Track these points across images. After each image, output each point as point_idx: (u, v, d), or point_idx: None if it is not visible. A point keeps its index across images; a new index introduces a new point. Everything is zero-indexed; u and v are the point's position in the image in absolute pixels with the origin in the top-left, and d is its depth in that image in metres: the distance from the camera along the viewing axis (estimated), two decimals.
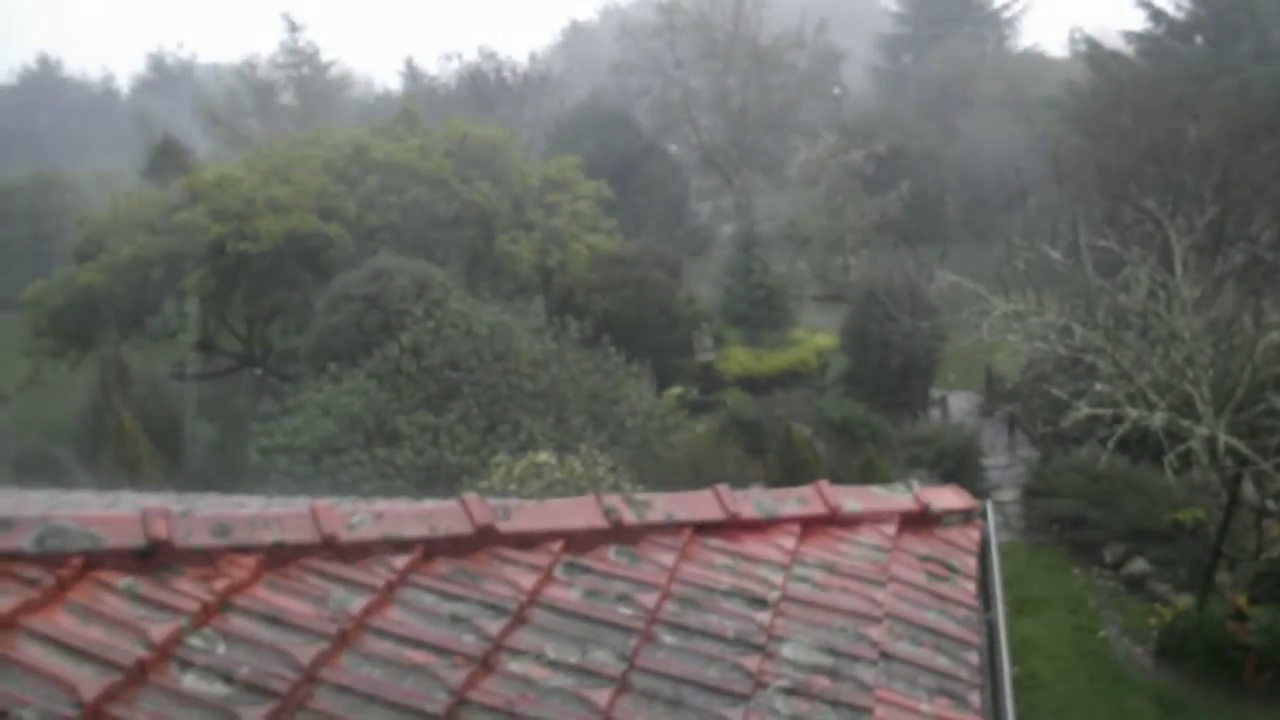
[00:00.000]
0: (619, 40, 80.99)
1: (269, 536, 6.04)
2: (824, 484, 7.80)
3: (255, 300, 42.15)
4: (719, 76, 73.01)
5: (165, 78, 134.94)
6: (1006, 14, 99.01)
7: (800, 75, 72.47)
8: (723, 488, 7.40)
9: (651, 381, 31.80)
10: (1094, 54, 62.98)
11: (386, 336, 29.98)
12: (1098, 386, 22.97)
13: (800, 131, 67.45)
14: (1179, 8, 67.55)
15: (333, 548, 6.10)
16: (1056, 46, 77.72)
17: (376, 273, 33.24)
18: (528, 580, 6.23)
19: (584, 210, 46.37)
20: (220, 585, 5.66)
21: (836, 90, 76.64)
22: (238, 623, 5.52)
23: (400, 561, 6.14)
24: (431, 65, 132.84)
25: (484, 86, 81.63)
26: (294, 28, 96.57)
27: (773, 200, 65.53)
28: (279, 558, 6.00)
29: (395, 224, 42.10)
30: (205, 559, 5.84)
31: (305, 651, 5.34)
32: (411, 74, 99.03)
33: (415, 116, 50.47)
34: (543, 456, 22.97)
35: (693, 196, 73.07)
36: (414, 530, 6.34)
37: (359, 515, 6.34)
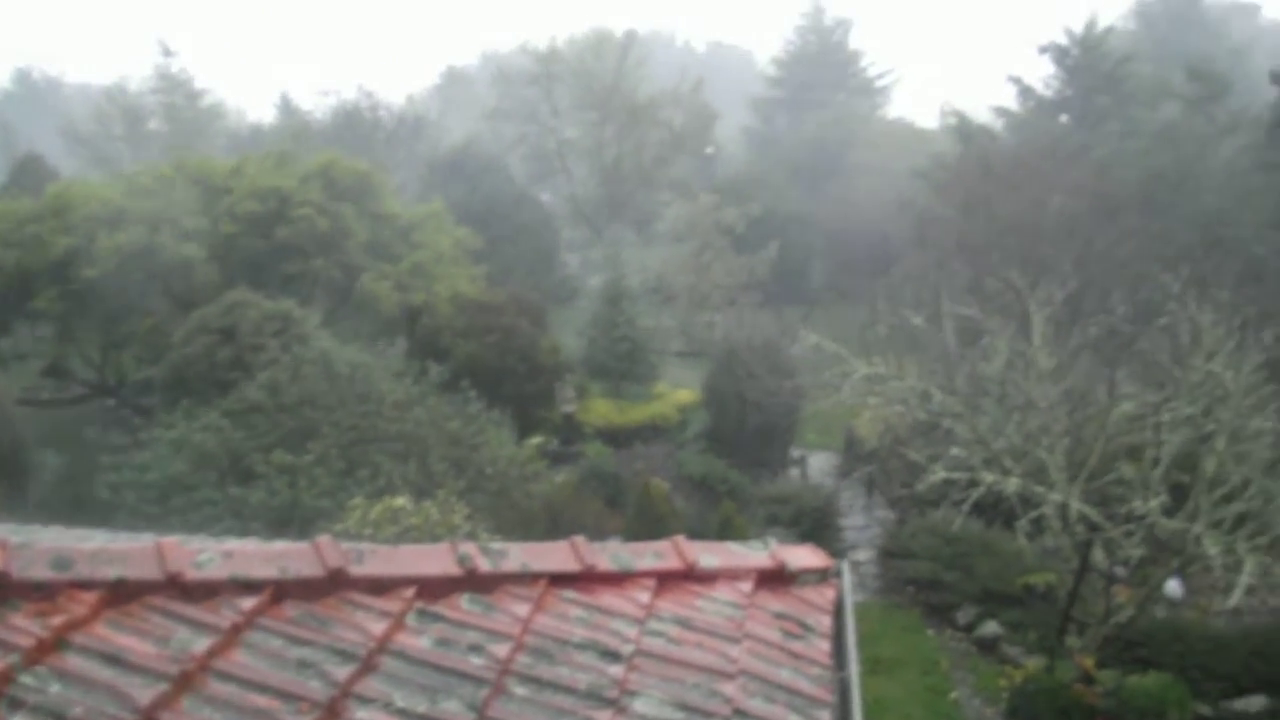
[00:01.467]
0: (496, 86, 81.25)
1: (112, 572, 5.84)
2: (681, 539, 7.79)
3: (108, 326, 41.18)
4: (595, 128, 73.46)
5: (32, 93, 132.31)
6: (880, 83, 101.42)
7: (675, 132, 73.17)
8: (579, 539, 7.35)
9: (512, 430, 31.64)
10: (963, 127, 64.48)
11: (242, 372, 29.46)
12: (954, 451, 23.33)
13: (672, 188, 68.03)
14: (1047, 86, 69.64)
15: (178, 586, 5.93)
16: (927, 118, 79.74)
17: (233, 305, 32.69)
18: (378, 626, 6.11)
19: (451, 253, 46.16)
20: (57, 621, 5.46)
21: (710, 149, 77.54)
22: (74, 661, 5.32)
23: (248, 603, 5.99)
24: (307, 100, 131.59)
25: (359, 124, 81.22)
26: (168, 53, 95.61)
27: (642, 255, 65.82)
28: (121, 595, 5.80)
29: (256, 252, 41.50)
30: (43, 593, 5.63)
31: (144, 693, 5.16)
32: (286, 108, 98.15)
33: (288, 156, 49.90)
34: (399, 501, 22.64)
35: (562, 246, 73.18)
36: (263, 571, 6.19)
37: (207, 554, 6.17)
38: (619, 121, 72.20)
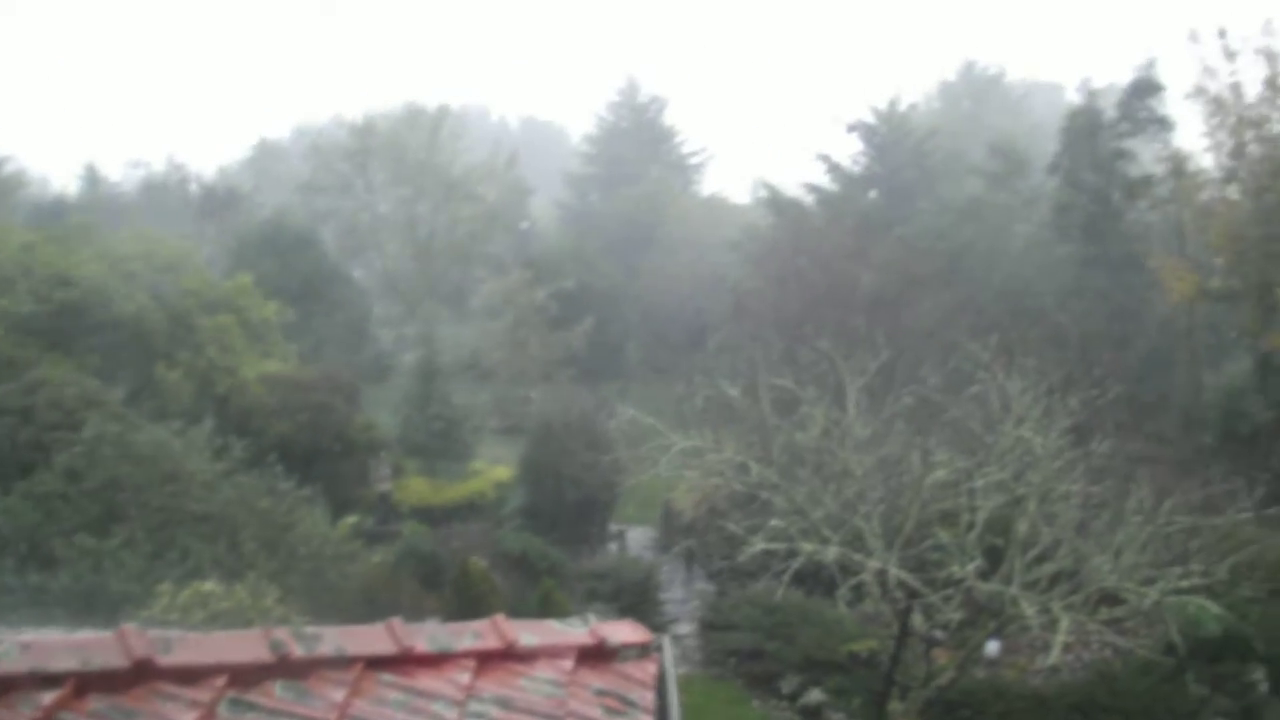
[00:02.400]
0: (309, 159, 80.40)
1: None
2: (500, 618, 7.68)
3: None
4: (409, 203, 73.19)
5: None
6: (694, 160, 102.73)
7: (490, 207, 73.24)
8: (396, 621, 7.19)
9: (327, 510, 31.08)
10: (775, 202, 65.71)
11: (42, 454, 28.45)
12: (773, 521, 23.46)
13: (487, 263, 67.91)
14: (856, 163, 71.49)
15: None
16: (740, 193, 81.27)
17: (32, 384, 31.63)
18: (188, 717, 5.88)
19: (260, 332, 45.36)
20: None
21: (524, 224, 77.86)
22: None
23: (48, 698, 5.69)
24: (115, 171, 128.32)
25: (168, 197, 79.64)
26: None
27: (456, 331, 65.54)
28: None
29: (57, 331, 40.25)
30: None
31: None
32: (91, 178, 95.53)
33: (92, 230, 48.54)
34: (208, 585, 22.02)
35: (375, 323, 72.41)
36: (65, 663, 5.90)
37: (3, 646, 5.88)
38: (433, 196, 72.08)
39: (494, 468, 43.87)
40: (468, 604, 25.47)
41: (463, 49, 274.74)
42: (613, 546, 38.31)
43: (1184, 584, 21.71)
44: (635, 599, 30.09)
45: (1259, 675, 25.76)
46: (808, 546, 22.43)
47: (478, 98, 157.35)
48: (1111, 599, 22.22)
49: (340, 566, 27.97)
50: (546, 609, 25.30)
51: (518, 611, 23.83)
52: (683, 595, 34.17)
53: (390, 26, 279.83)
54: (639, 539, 39.40)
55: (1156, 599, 21.44)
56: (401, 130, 75.18)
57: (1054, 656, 20.57)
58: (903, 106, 73.88)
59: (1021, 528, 22.69)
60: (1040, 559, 22.44)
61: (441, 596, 28.45)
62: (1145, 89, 52.95)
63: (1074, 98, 61.53)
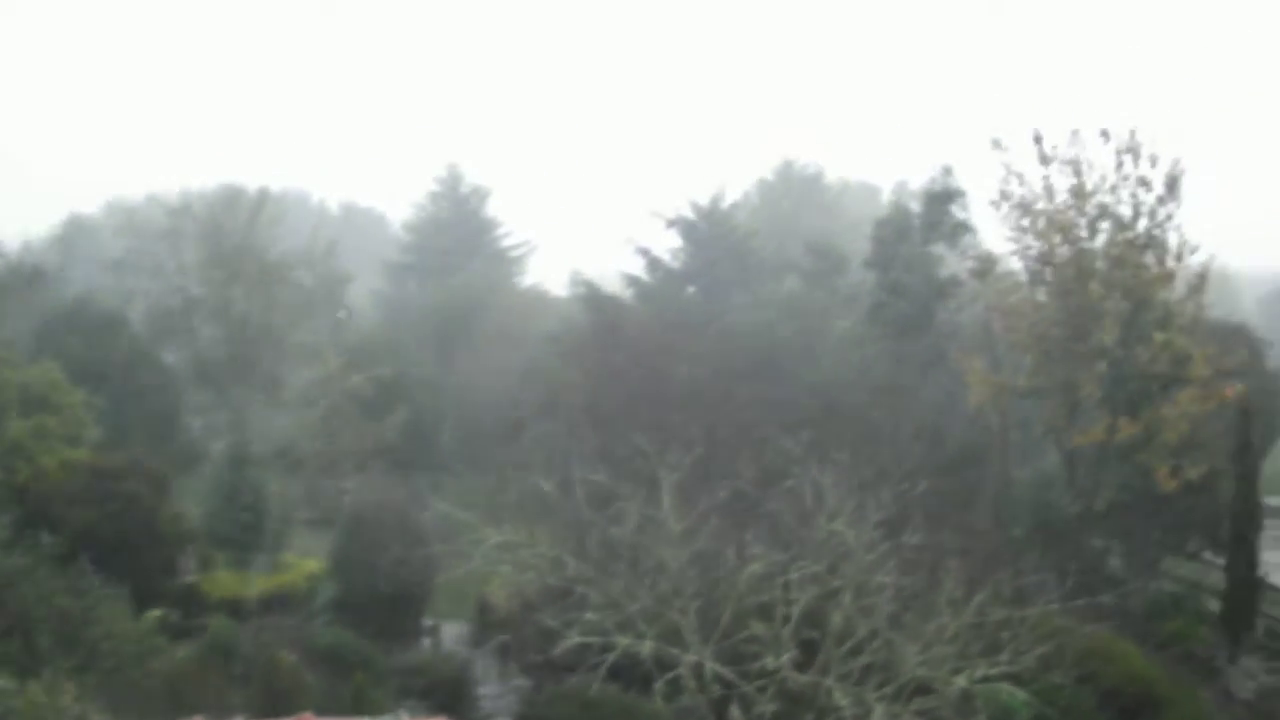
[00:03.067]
0: (122, 237, 78.50)
1: None
2: (309, 716, 7.59)
3: None
4: (223, 286, 71.63)
5: None
6: (515, 253, 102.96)
7: (307, 293, 72.27)
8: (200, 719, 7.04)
9: (130, 603, 30.12)
10: (592, 296, 66.13)
11: None
12: (588, 615, 23.49)
13: (302, 350, 66.85)
14: (675, 258, 72.41)
15: None
16: (560, 286, 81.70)
17: None
18: None
19: (65, 418, 43.92)
20: None
21: (342, 312, 76.99)
22: None
23: None
24: None
25: None
26: None
27: (269, 419, 64.28)
28: None
29: None
30: None
31: None
32: None
33: None
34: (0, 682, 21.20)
35: (186, 409, 70.52)
36: None
37: None
38: (249, 281, 70.71)
39: (305, 560, 42.98)
40: (275, 700, 24.96)
41: (285, 130, 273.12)
42: (426, 642, 37.83)
43: (994, 672, 22.28)
44: (449, 695, 29.84)
45: None
46: (623, 640, 22.53)
47: (298, 181, 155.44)
48: (924, 689, 22.66)
49: (143, 662, 27.14)
50: (358, 706, 24.90)
51: (328, 709, 23.49)
52: (498, 690, 33.81)
53: (211, 101, 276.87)
54: (453, 634, 38.91)
55: (966, 687, 21.92)
56: (219, 211, 74.00)
57: None
58: (724, 204, 75.21)
59: (836, 620, 23.09)
60: (855, 650, 22.83)
61: (248, 693, 27.74)
62: (945, 196, 54.79)
63: (889, 198, 63.41)
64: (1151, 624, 41.15)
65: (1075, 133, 43.83)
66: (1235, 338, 49.72)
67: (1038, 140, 44.33)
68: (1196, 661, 39.01)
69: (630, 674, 26.46)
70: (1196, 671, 38.28)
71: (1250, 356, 47.67)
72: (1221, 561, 41.66)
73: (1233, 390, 41.71)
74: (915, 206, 59.06)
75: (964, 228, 54.31)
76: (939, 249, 56.03)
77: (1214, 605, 41.42)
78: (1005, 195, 45.20)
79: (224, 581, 40.56)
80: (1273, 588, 42.40)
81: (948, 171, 54.87)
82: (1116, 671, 32.32)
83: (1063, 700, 26.88)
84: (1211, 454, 42.16)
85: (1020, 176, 44.84)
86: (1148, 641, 38.51)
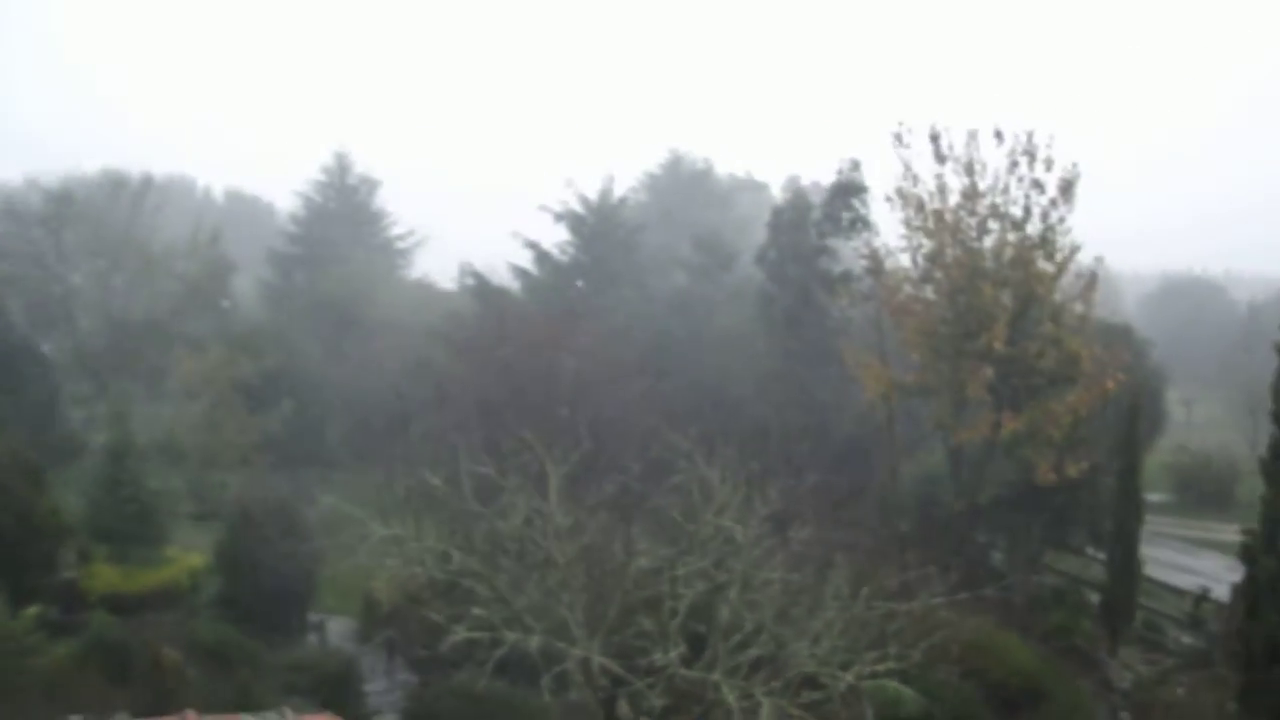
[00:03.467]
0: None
1: None
2: (191, 714, 7.41)
3: None
4: (104, 276, 70.35)
5: None
6: (402, 244, 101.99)
7: (190, 283, 71.11)
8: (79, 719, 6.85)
9: (7, 600, 29.44)
10: (480, 289, 65.80)
11: None
12: (476, 610, 23.33)
13: (186, 341, 65.75)
14: (563, 252, 72.18)
15: None
16: (447, 278, 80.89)
17: None
18: None
19: None
20: None
21: (226, 303, 75.84)
22: None
23: None
24: None
25: None
26: None
27: (151, 411, 63.09)
28: None
29: None
30: None
31: None
32: None
33: None
34: None
35: (65, 400, 68.99)
36: None
37: None
38: (131, 270, 69.55)
39: (189, 555, 42.16)
40: (159, 698, 24.54)
41: (169, 114, 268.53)
42: (313, 637, 37.41)
43: (880, 667, 22.50)
44: (335, 691, 29.54)
45: None
46: (511, 635, 22.42)
47: (184, 168, 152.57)
48: (812, 683, 22.81)
49: (21, 661, 26.53)
50: (242, 703, 24.48)
51: (212, 706, 23.11)
52: (385, 686, 33.58)
53: (94, 84, 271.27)
54: (340, 629, 38.51)
55: (853, 682, 22.09)
56: (100, 199, 72.56)
57: None
58: (612, 198, 75.10)
59: (724, 614, 23.15)
60: (742, 645, 22.88)
61: (131, 691, 27.19)
62: (849, 189, 55.16)
63: (779, 195, 63.64)
64: (1034, 617, 41.99)
65: (972, 134, 44.38)
66: (1119, 337, 50.71)
67: (934, 139, 44.80)
68: (1077, 653, 39.86)
69: (518, 669, 26.37)
70: (1077, 663, 39.12)
71: (1133, 355, 48.58)
72: (1102, 556, 42.50)
73: (1114, 383, 42.50)
74: (810, 202, 59.44)
75: (863, 223, 54.74)
76: (836, 243, 56.47)
77: (1094, 598, 42.29)
78: (901, 192, 45.62)
79: (105, 577, 39.60)
80: (1151, 581, 43.39)
81: (855, 165, 55.26)
82: (1000, 665, 32.99)
83: (948, 694, 27.36)
84: (1093, 450, 43.00)
85: (916, 175, 45.32)
86: (1030, 634, 39.33)
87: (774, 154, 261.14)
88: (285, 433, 53.70)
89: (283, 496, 39.80)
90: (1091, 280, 45.13)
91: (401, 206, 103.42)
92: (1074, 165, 43.81)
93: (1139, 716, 34.35)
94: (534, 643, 22.17)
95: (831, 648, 22.72)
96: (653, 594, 24.09)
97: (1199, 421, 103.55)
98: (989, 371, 42.98)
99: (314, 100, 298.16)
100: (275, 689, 28.82)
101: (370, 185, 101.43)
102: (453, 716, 28.24)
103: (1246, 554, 31.31)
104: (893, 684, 23.06)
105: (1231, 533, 45.36)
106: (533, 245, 71.20)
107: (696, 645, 23.17)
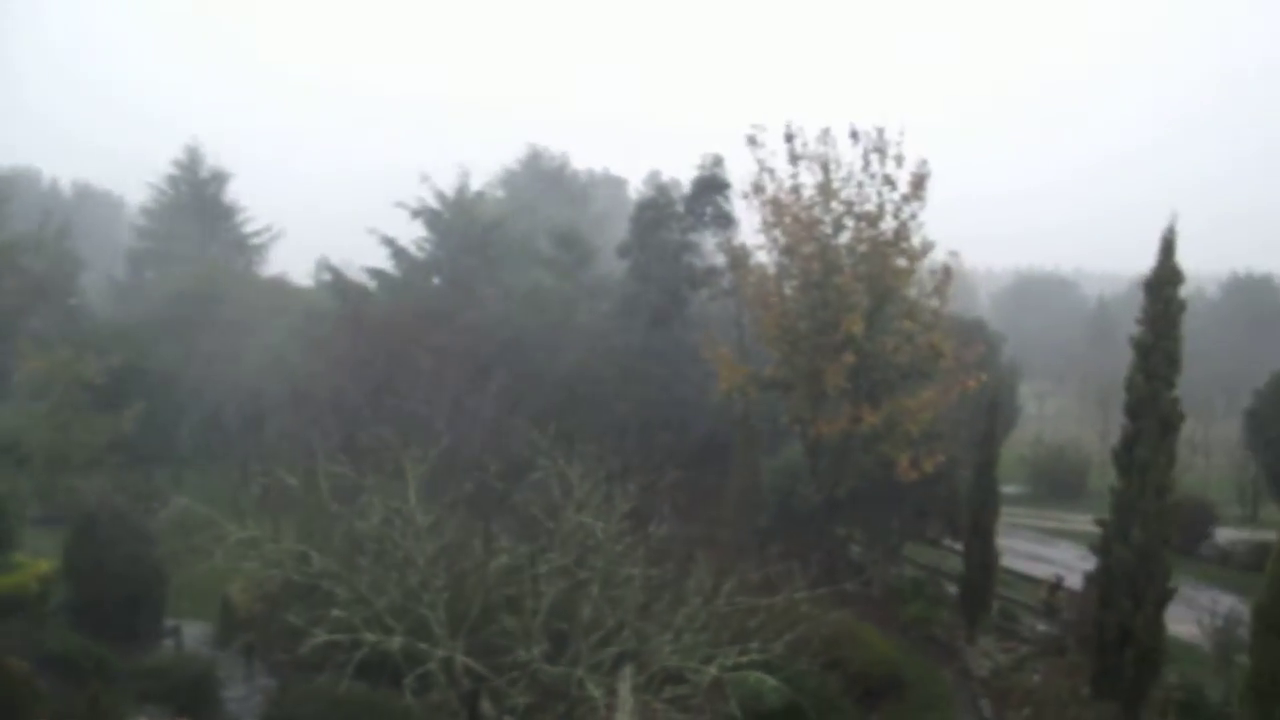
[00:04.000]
0: None
1: None
2: None
3: None
4: None
5: None
6: (256, 240, 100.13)
7: (36, 279, 69.26)
8: None
9: None
10: (337, 286, 65.02)
11: None
12: (335, 612, 23.02)
13: (31, 339, 63.95)
14: (420, 249, 71.53)
15: None
16: (303, 275, 79.67)
17: None
18: None
19: None
20: None
21: (73, 300, 74.04)
22: None
23: None
24: None
25: None
26: None
27: None
28: None
29: None
30: None
31: None
32: None
33: None
34: None
35: None
36: None
37: None
38: None
39: (37, 560, 40.91)
40: (6, 710, 23.78)
41: (15, 104, 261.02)
42: (168, 643, 36.46)
43: (743, 660, 22.62)
44: (192, 697, 29.04)
45: None
46: (371, 636, 22.18)
47: (29, 159, 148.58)
48: (675, 677, 22.86)
49: None
50: (94, 713, 23.85)
51: (63, 717, 22.39)
52: (244, 692, 32.82)
53: None
54: (197, 634, 37.57)
55: (716, 675, 22.17)
56: None
57: None
58: (469, 194, 74.62)
59: (585, 611, 23.15)
60: (605, 641, 22.92)
61: None
62: (712, 185, 55.45)
63: (638, 190, 63.74)
64: (893, 608, 42.62)
65: (825, 131, 44.82)
66: (973, 332, 51.67)
67: (789, 138, 45.16)
68: (936, 643, 40.56)
69: (379, 670, 26.02)
70: (937, 653, 39.85)
71: (987, 350, 49.49)
72: (959, 547, 43.18)
73: (976, 382, 43.25)
74: (673, 198, 59.63)
75: (726, 218, 55.08)
76: (699, 237, 56.78)
77: (953, 589, 42.98)
78: (757, 189, 45.90)
79: None
80: (1008, 571, 44.23)
81: (718, 161, 55.57)
82: (861, 656, 33.42)
83: (811, 686, 27.58)
84: (949, 444, 43.70)
85: (772, 172, 45.62)
86: (890, 625, 39.97)
87: (631, 151, 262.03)
88: (137, 433, 52.35)
89: (134, 498, 38.79)
90: (946, 276, 45.79)
91: (255, 201, 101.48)
92: (924, 162, 44.56)
93: (997, 703, 34.94)
94: (395, 643, 21.98)
95: (694, 642, 22.83)
96: (514, 592, 24.03)
97: (1052, 414, 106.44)
98: (850, 358, 43.36)
99: (164, 93, 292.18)
100: (130, 698, 28.19)
101: (221, 179, 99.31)
102: None
103: (1099, 543, 32.19)
104: (755, 676, 23.19)
105: (1084, 522, 46.85)
106: (389, 242, 70.49)
107: (559, 642, 23.16)
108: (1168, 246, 31.42)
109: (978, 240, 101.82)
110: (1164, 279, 31.54)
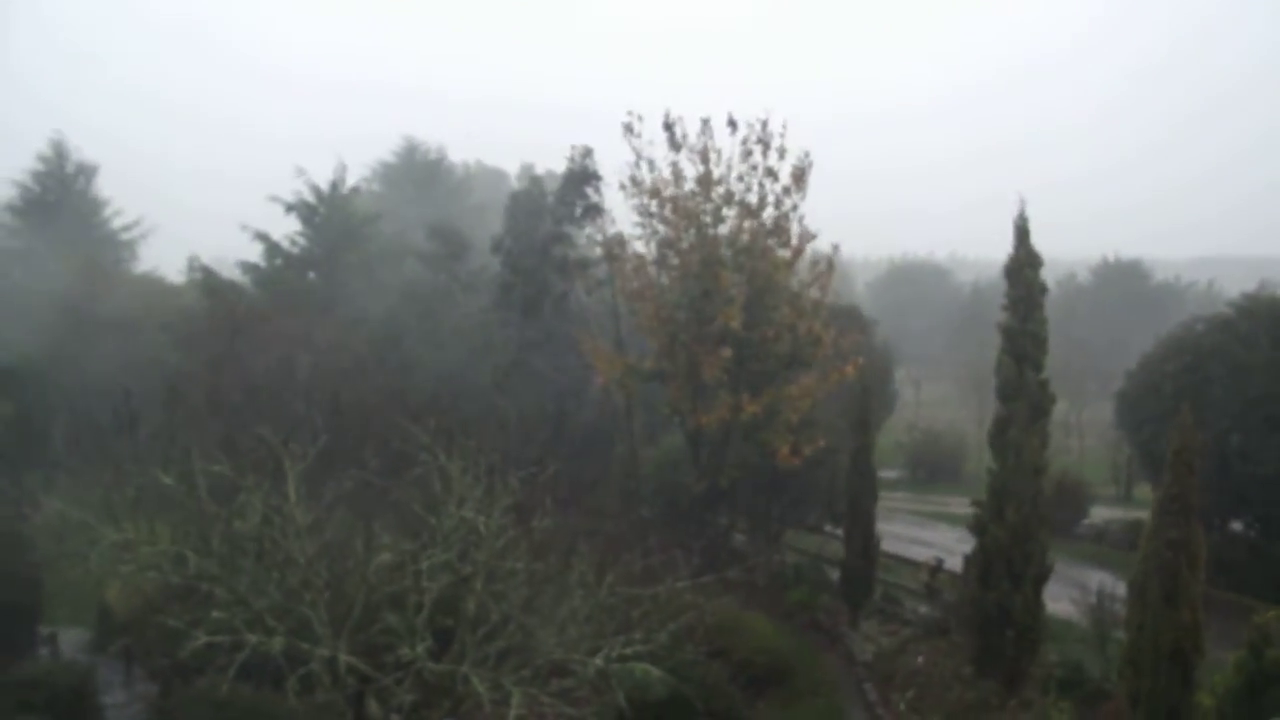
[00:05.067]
0: None
1: None
2: None
3: None
4: None
5: None
6: (125, 235, 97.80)
7: None
8: None
9: None
10: (209, 282, 64.02)
11: None
12: (215, 614, 22.68)
13: None
14: (294, 243, 70.57)
15: None
16: (176, 272, 77.80)
17: None
18: None
19: None
20: None
21: None
22: None
23: None
24: None
25: None
26: None
27: None
28: None
29: None
30: None
31: None
32: None
33: None
34: None
35: None
36: None
37: None
38: None
39: None
40: None
41: None
42: (44, 651, 35.67)
43: (628, 651, 22.70)
44: (71, 706, 28.43)
45: None
46: (253, 638, 21.90)
47: None
48: (561, 670, 22.91)
49: None
50: None
51: None
52: (124, 698, 32.33)
53: None
54: (74, 641, 36.82)
55: (602, 667, 22.24)
56: None
57: None
58: (344, 187, 73.75)
59: (470, 607, 23.09)
60: (490, 636, 22.89)
61: None
62: (582, 177, 55.41)
63: (515, 182, 63.59)
64: (777, 595, 43.03)
65: (705, 122, 45.06)
66: (850, 319, 52.30)
67: (668, 127, 45.35)
68: (820, 629, 41.11)
69: (262, 672, 25.70)
70: (821, 638, 40.42)
71: (863, 336, 50.10)
72: (840, 533, 43.68)
73: (854, 367, 43.76)
74: (547, 190, 59.56)
75: (597, 210, 55.09)
76: (571, 230, 56.72)
77: (834, 574, 43.47)
78: (635, 180, 45.99)
79: None
80: (888, 555, 44.84)
81: (587, 153, 55.53)
82: (746, 644, 33.75)
83: (696, 675, 27.77)
84: (827, 431, 44.19)
85: (651, 162, 45.74)
86: (774, 612, 40.39)
87: (510, 143, 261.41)
88: (5, 435, 51.15)
89: (2, 503, 37.92)
90: (828, 267, 46.26)
91: (125, 194, 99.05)
92: (806, 154, 45.03)
93: (882, 686, 35.45)
94: (277, 644, 21.70)
95: (579, 634, 22.87)
96: (397, 589, 23.82)
97: (928, 400, 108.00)
98: (727, 352, 43.64)
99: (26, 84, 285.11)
100: (6, 709, 27.52)
101: (89, 173, 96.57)
102: None
103: (977, 525, 32.81)
104: (641, 666, 23.24)
105: (962, 505, 47.65)
106: (263, 237, 69.45)
107: (444, 639, 23.04)
108: (1021, 233, 32.56)
109: (857, 230, 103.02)
110: (1023, 263, 32.43)
